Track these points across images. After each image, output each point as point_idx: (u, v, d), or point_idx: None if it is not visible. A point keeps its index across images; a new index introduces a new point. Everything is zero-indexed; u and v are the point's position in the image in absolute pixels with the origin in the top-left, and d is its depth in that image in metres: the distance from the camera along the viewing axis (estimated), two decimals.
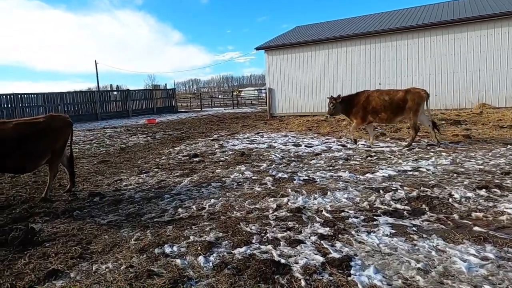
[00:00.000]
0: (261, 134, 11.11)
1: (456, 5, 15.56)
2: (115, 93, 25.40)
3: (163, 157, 8.14)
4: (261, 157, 7.54)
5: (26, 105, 19.91)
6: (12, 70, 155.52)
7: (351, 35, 15.02)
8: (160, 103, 28.71)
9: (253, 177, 5.90)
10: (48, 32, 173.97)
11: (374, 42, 14.64)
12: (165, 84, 75.89)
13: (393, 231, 3.46)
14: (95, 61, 32.90)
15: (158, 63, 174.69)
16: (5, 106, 19.04)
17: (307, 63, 16.39)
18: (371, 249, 3.12)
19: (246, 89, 65.99)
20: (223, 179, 5.92)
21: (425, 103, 7.63)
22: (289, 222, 3.84)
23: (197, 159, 7.68)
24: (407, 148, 7.44)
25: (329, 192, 4.78)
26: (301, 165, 6.63)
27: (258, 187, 5.29)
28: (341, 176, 5.61)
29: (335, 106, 8.11)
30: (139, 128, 15.78)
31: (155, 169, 6.95)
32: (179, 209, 4.52)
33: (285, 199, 4.61)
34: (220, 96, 60.90)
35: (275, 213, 4.17)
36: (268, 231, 3.64)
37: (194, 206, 4.60)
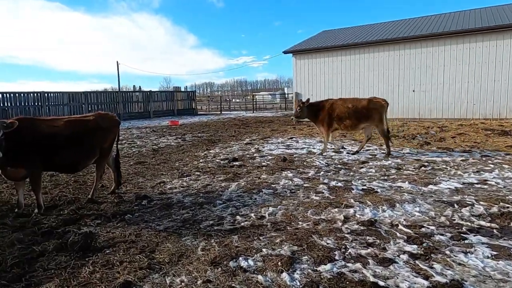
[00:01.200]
0: (294, 139, 10.79)
1: (496, 11, 14.99)
2: (137, 94, 25.48)
3: (201, 160, 7.89)
4: (304, 163, 7.22)
5: (52, 103, 20.09)
6: (33, 69, 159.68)
7: (383, 40, 14.60)
8: (181, 105, 28.67)
9: (304, 185, 5.58)
10: (68, 33, 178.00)
11: (409, 47, 14.19)
12: (186, 86, 76.20)
13: (494, 252, 3.08)
14: (117, 62, 33.24)
15: (173, 66, 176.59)
16: (32, 104, 19.24)
17: (336, 68, 16.03)
18: (478, 273, 2.75)
19: (260, 94, 65.72)
20: (273, 185, 5.62)
21: (385, 112, 7.87)
22: (367, 237, 3.50)
23: (237, 163, 7.41)
24: (388, 156, 7.62)
25: (397, 204, 4.41)
26: (351, 173, 6.28)
27: (315, 196, 4.97)
28: (402, 187, 5.23)
29: (301, 109, 8.19)
30: (164, 130, 15.66)
31: (196, 173, 6.70)
32: (237, 217, 4.24)
33: (351, 210, 4.28)
34: (234, 100, 60.44)
35: (346, 225, 3.84)
36: (347, 246, 3.31)
37: (252, 214, 4.31)
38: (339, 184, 5.51)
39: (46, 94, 19.83)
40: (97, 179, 5.17)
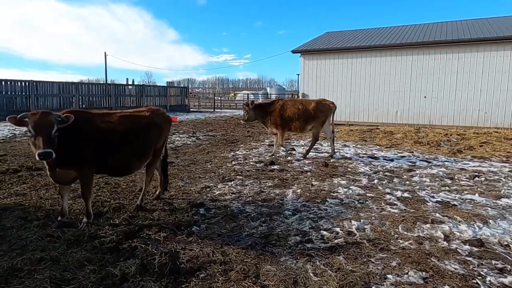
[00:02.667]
0: (317, 142, 10.40)
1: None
2: (130, 87, 24.37)
3: (233, 162, 7.34)
4: (348, 169, 6.83)
5: (41, 93, 18.78)
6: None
7: (397, 44, 14.48)
8: (173, 101, 27.75)
9: (367, 194, 5.18)
10: (40, 21, 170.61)
11: (422, 53, 14.13)
12: (179, 82, 74.20)
13: None
14: (105, 53, 31.74)
15: (151, 60, 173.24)
16: (19, 93, 17.89)
17: (346, 70, 15.79)
18: None
19: (242, 92, 65.22)
20: (333, 194, 5.18)
21: (332, 115, 8.02)
22: (493, 261, 3.12)
23: (276, 167, 6.92)
24: (303, 156, 7.83)
25: (490, 221, 4.08)
26: (406, 182, 5.94)
27: (390, 208, 4.57)
28: (475, 200, 4.92)
29: (248, 112, 8.08)
30: None
31: (237, 177, 6.17)
32: (323, 232, 3.78)
33: (445, 227, 3.90)
34: (215, 98, 58.78)
35: (454, 245, 3.45)
36: (480, 272, 2.92)
37: (338, 229, 3.86)
38: (405, 194, 5.15)
39: (34, 84, 18.50)
40: (146, 183, 4.55)
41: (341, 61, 15.89)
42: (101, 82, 27.64)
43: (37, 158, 3.18)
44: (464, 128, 13.15)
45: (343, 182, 5.86)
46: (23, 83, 18.11)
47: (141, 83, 26.11)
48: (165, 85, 28.46)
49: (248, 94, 38.94)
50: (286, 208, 4.56)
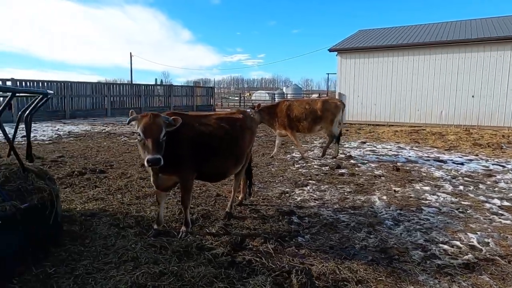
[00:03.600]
0: (367, 143, 10.05)
1: None
2: (158, 87, 24.46)
3: (296, 165, 7.07)
4: (422, 174, 6.45)
5: (75, 94, 19.00)
6: (16, 57, 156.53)
7: (443, 41, 13.90)
8: (199, 101, 27.75)
9: (462, 202, 4.82)
10: (56, 22, 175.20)
11: (470, 51, 13.51)
12: (206, 82, 74.36)
13: None
14: (130, 53, 31.97)
15: (166, 60, 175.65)
16: (55, 94, 18.11)
17: (386, 69, 15.30)
18: None
19: (258, 92, 64.86)
20: (424, 201, 4.85)
21: (341, 113, 7.76)
22: None
23: (344, 170, 6.61)
24: (322, 156, 7.74)
25: None
26: (495, 188, 5.52)
27: (499, 218, 4.20)
28: None
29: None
30: None
31: (310, 181, 5.89)
32: (443, 246, 3.46)
33: None
34: (231, 98, 58.53)
35: None
36: None
37: (457, 243, 3.53)
38: (506, 203, 4.76)
39: (69, 84, 18.75)
40: (235, 189, 4.33)
41: (380, 59, 15.40)
42: (130, 83, 27.85)
43: (145, 164, 2.98)
44: None
45: (427, 188, 5.50)
46: (58, 83, 18.36)
47: (167, 84, 26.14)
48: (192, 85, 28.48)
49: (273, 94, 38.52)
50: (384, 217, 4.25)
